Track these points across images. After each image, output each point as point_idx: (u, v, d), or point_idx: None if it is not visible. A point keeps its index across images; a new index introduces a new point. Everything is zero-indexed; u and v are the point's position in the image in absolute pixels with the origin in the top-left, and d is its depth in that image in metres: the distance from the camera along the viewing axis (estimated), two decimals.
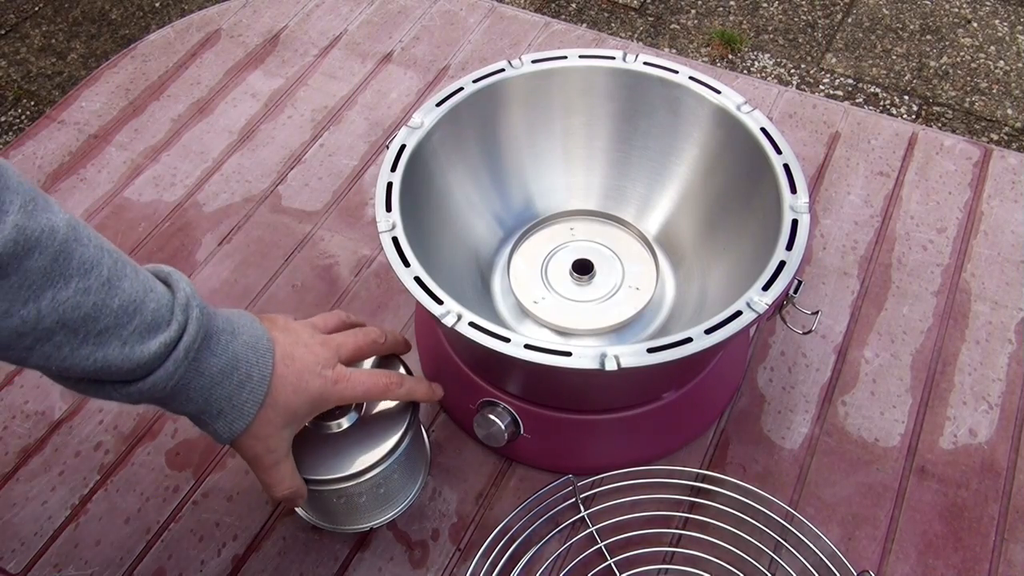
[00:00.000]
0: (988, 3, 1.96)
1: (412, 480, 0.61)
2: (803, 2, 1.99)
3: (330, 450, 0.55)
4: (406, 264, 0.53)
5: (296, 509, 0.61)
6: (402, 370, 0.58)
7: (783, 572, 0.58)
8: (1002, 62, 1.84)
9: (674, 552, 0.60)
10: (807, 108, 0.88)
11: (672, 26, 1.95)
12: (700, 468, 0.64)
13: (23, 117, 1.83)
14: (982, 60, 1.84)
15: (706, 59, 1.88)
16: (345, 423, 0.56)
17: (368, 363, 0.58)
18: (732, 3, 1.99)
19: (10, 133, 1.80)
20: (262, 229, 0.79)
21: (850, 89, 1.80)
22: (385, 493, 0.60)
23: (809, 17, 1.95)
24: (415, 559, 0.60)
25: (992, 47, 1.87)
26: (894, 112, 1.76)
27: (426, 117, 0.61)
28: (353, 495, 0.59)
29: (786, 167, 0.57)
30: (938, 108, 1.76)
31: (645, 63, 0.63)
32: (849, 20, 1.94)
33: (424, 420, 0.67)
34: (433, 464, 0.64)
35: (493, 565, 0.58)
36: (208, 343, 0.46)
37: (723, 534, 0.60)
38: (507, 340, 0.50)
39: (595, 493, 0.62)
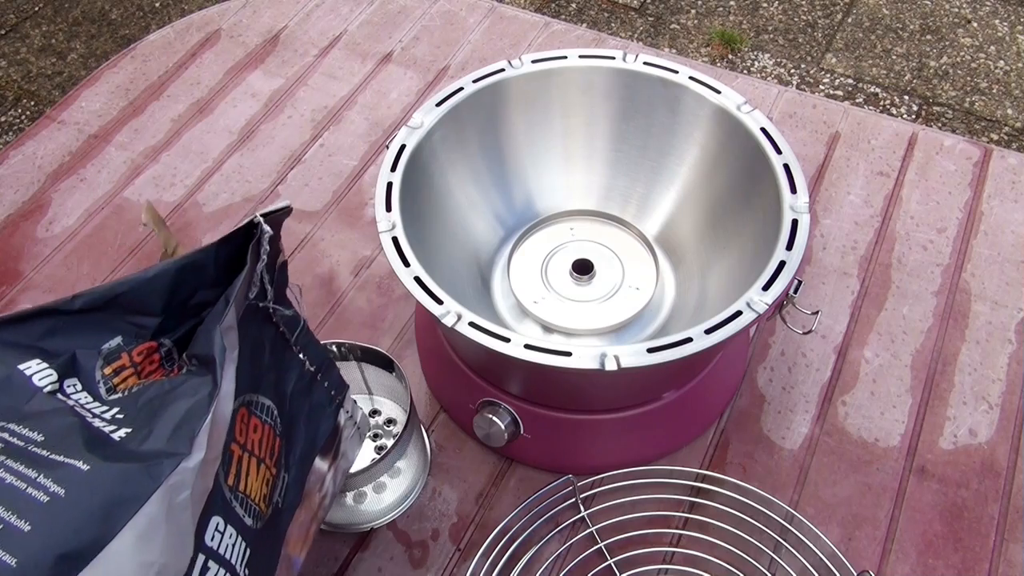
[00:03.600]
0: (988, 3, 1.96)
1: (412, 480, 0.62)
2: (803, 2, 1.99)
3: None
4: (406, 264, 0.53)
5: None
6: None
7: (783, 572, 0.58)
8: (1002, 62, 1.84)
9: (674, 552, 0.60)
10: (807, 108, 0.88)
11: (672, 26, 1.95)
12: (700, 468, 0.64)
13: (23, 117, 1.82)
14: (982, 60, 1.84)
15: (706, 59, 1.88)
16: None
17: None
18: (732, 3, 1.99)
19: (10, 133, 1.80)
20: None
21: (850, 89, 1.80)
22: (385, 493, 0.60)
23: (809, 17, 1.95)
24: (415, 559, 0.60)
25: (992, 47, 1.87)
26: (894, 112, 1.76)
27: (426, 117, 0.61)
28: (352, 495, 0.59)
29: (786, 167, 0.57)
30: (938, 108, 1.76)
31: (645, 63, 0.63)
32: (849, 20, 1.94)
33: (424, 420, 0.67)
34: (433, 464, 0.64)
35: (493, 565, 0.58)
36: None
37: (723, 534, 0.60)
38: (507, 340, 0.50)
39: (595, 493, 0.62)
